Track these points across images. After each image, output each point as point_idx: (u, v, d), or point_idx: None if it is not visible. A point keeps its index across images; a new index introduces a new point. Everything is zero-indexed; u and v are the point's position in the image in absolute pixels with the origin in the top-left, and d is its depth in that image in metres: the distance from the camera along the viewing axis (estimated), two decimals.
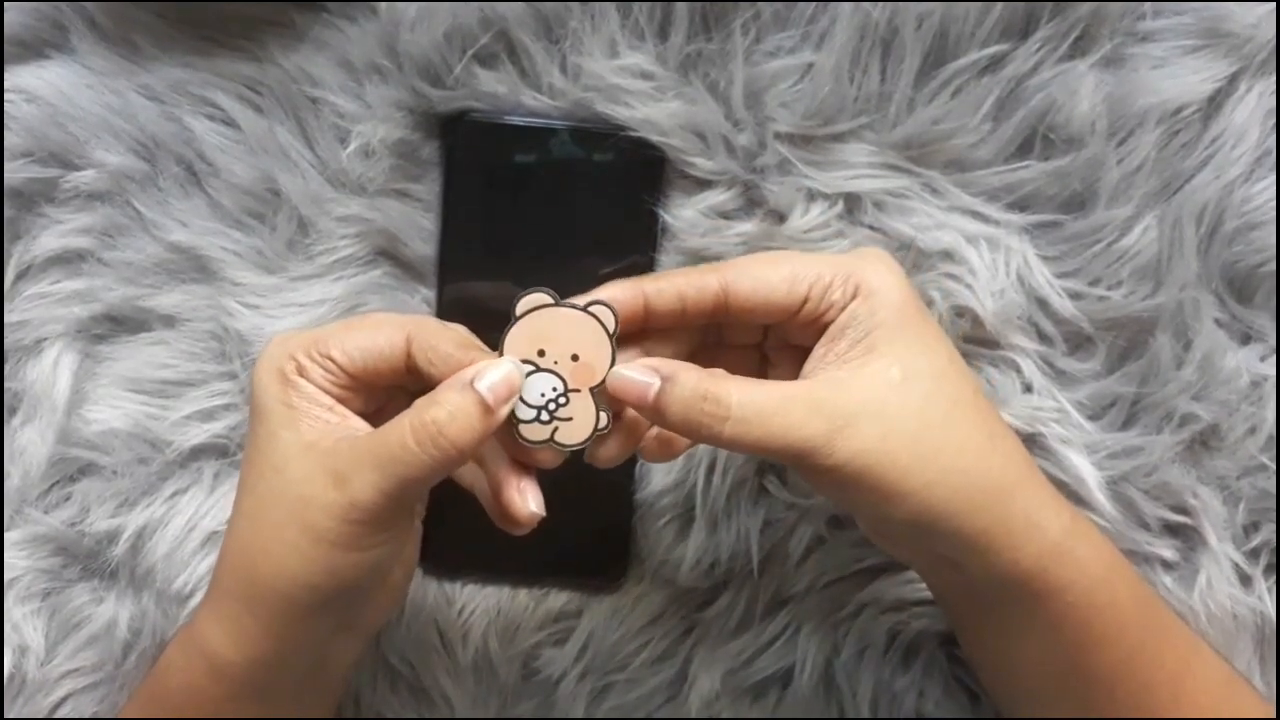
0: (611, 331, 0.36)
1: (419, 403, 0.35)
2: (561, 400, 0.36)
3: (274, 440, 0.36)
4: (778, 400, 0.35)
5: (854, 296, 0.37)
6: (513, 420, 0.36)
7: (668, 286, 0.38)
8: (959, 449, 0.36)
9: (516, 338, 0.36)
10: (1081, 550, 0.38)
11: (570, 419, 0.37)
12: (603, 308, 0.36)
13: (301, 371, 0.37)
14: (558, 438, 0.37)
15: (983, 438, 0.37)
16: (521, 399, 0.36)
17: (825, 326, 0.37)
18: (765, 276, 0.37)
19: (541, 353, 0.36)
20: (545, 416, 0.37)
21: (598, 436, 0.37)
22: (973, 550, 0.37)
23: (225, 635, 0.38)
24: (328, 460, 0.36)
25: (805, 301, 0.37)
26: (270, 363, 0.37)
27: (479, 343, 0.38)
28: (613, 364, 0.36)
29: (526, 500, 0.37)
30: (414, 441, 0.34)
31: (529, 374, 0.36)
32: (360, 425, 0.37)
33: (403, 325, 0.37)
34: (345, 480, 0.35)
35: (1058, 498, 0.39)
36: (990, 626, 0.41)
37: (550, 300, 0.36)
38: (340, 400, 0.37)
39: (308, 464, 0.36)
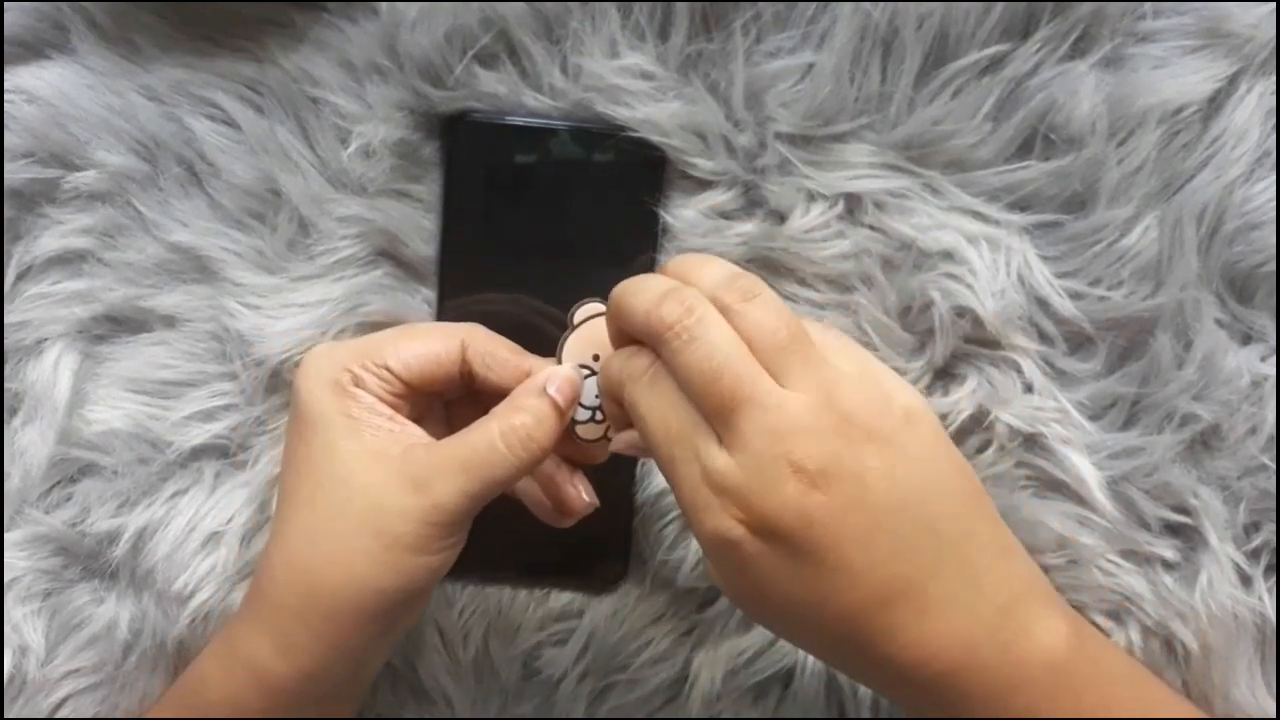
0: None
1: (500, 409, 0.38)
2: None
3: (333, 451, 0.38)
4: None
5: None
6: (571, 421, 0.40)
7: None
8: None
9: (574, 345, 0.40)
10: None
11: None
12: None
13: (358, 382, 0.39)
14: (611, 435, 0.40)
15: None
16: (581, 402, 0.40)
17: None
18: None
19: (596, 358, 0.40)
20: (600, 416, 0.40)
21: None
22: None
23: (275, 649, 0.38)
24: (402, 466, 0.37)
25: None
26: (319, 375, 0.39)
27: (524, 350, 0.41)
28: None
29: (580, 492, 0.41)
30: (504, 445, 0.37)
31: (584, 377, 0.40)
32: (419, 433, 0.39)
33: (455, 333, 0.41)
34: (426, 485, 0.37)
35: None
36: None
37: (604, 309, 0.39)
38: (393, 409, 0.39)
39: (379, 472, 0.37)
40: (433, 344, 0.40)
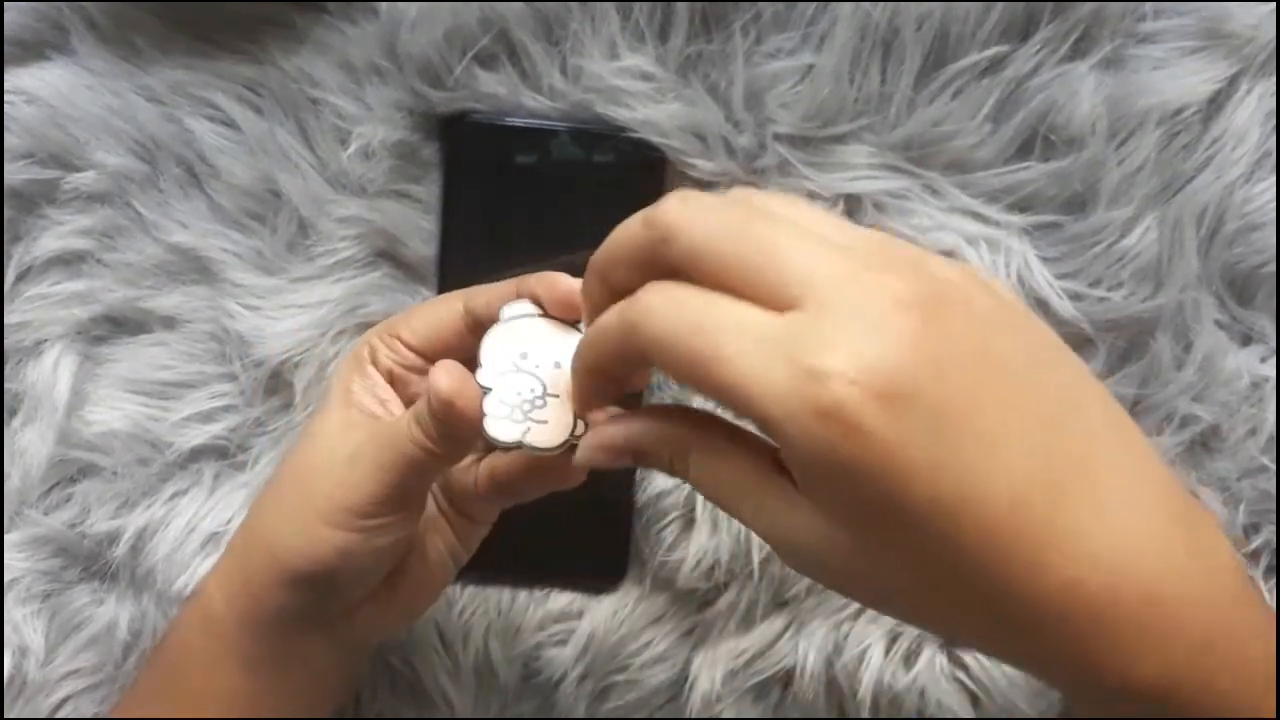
0: None
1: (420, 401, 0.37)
2: (539, 402, 0.36)
3: (321, 419, 0.39)
4: None
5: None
6: (483, 416, 0.36)
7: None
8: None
9: (498, 338, 0.37)
10: None
11: (545, 422, 0.36)
12: None
13: (373, 356, 0.40)
14: (528, 439, 0.36)
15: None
16: (498, 396, 0.36)
17: None
18: None
19: (524, 356, 0.37)
20: (518, 415, 0.36)
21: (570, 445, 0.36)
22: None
23: (217, 585, 0.40)
24: (350, 439, 0.37)
25: None
26: (352, 352, 0.41)
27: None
28: None
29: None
30: (409, 423, 0.36)
31: (507, 372, 0.36)
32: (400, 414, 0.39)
33: (460, 294, 0.40)
34: (354, 460, 0.37)
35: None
36: None
37: (537, 311, 0.37)
38: (404, 380, 0.40)
39: (337, 442, 0.38)
40: (438, 308, 0.40)
